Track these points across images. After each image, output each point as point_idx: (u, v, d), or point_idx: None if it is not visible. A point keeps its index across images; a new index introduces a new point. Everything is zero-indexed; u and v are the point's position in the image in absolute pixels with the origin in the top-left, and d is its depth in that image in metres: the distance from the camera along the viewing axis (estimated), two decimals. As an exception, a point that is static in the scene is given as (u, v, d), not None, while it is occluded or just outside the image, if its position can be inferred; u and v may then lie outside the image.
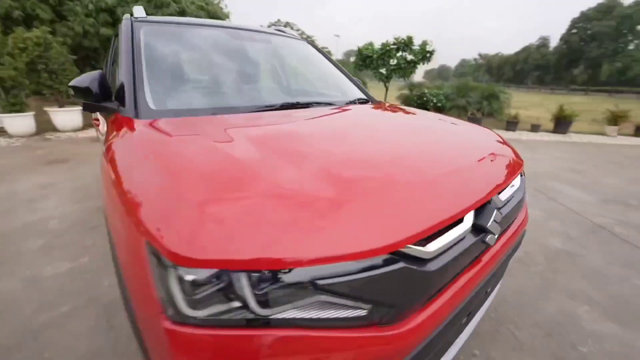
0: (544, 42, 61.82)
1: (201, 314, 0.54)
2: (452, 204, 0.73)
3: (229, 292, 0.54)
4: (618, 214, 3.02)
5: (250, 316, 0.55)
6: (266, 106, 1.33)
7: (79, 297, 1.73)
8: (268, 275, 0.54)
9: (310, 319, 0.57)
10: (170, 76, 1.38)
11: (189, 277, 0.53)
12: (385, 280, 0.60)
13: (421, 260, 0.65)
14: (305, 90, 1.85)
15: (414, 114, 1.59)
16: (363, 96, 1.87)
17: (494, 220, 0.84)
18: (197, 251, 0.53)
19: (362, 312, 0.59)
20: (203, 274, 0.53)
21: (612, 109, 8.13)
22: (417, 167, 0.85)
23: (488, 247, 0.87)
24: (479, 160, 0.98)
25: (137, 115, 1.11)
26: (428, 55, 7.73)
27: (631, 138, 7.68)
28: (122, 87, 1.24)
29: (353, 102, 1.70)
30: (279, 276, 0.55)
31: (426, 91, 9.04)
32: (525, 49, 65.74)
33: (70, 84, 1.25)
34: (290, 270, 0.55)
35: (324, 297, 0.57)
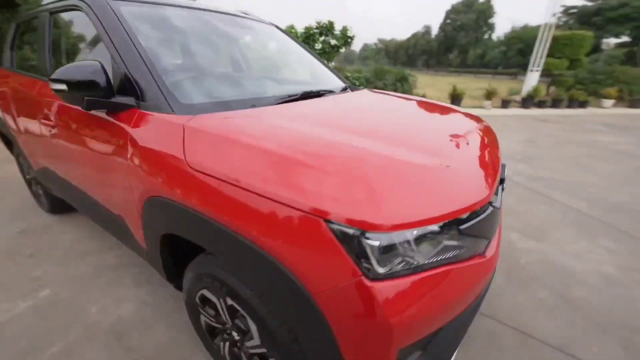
0: (427, 30, 71.76)
1: (386, 269, 0.66)
2: (499, 166, 1.01)
3: (402, 248, 0.67)
4: (512, 166, 4.06)
5: (415, 264, 0.70)
6: (289, 95, 1.35)
7: (67, 331, 1.46)
8: (432, 229, 0.69)
9: (444, 259, 0.74)
10: (179, 66, 1.25)
11: (377, 242, 0.64)
12: (486, 221, 0.82)
13: (492, 204, 0.90)
14: (310, 80, 1.88)
15: (401, 97, 1.83)
16: (343, 83, 2.02)
17: (505, 174, 1.17)
18: (383, 218, 0.65)
19: (470, 247, 0.81)
20: (387, 236, 0.65)
21: (487, 87, 10.35)
22: (469, 140, 1.09)
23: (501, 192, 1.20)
24: (491, 133, 1.30)
25: (172, 110, 1.02)
26: (349, 40, 8.24)
27: (500, 109, 10.00)
28: (131, 79, 1.09)
29: (345, 90, 1.84)
30: (437, 229, 0.70)
31: (349, 74, 9.65)
32: (414, 36, 75.10)
33: (60, 77, 1.02)
34: (445, 223, 0.71)
35: (448, 242, 0.75)
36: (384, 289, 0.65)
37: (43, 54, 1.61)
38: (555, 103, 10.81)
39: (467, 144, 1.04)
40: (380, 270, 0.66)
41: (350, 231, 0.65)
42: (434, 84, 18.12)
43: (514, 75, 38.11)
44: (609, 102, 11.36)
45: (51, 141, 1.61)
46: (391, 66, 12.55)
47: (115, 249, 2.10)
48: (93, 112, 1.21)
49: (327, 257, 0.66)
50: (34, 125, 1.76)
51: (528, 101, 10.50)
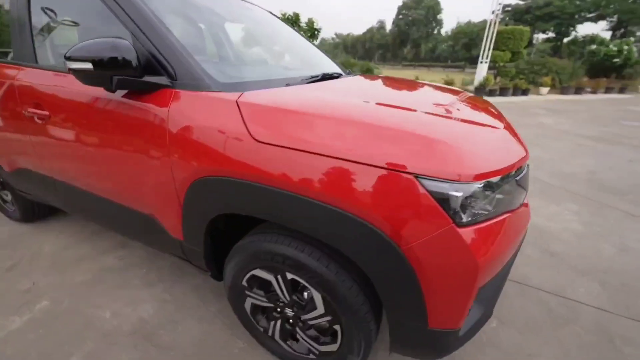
0: (381, 25, 74.25)
1: (468, 216, 0.74)
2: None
3: (480, 197, 0.75)
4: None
5: (487, 211, 0.78)
6: (312, 76, 1.37)
7: (82, 339, 1.35)
8: (501, 179, 0.79)
9: (505, 206, 0.84)
10: (201, 46, 1.20)
11: (461, 192, 0.71)
12: (527, 175, 0.95)
13: None
14: (318, 63, 1.89)
15: (401, 79, 1.93)
16: (341, 69, 2.07)
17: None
18: (467, 170, 0.72)
19: (519, 197, 0.91)
20: (470, 186, 0.72)
21: (444, 78, 11.13)
22: (491, 110, 1.21)
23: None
24: None
25: (212, 89, 0.99)
26: (316, 32, 8.25)
27: (456, 98, 10.85)
28: (160, 58, 1.03)
29: (349, 74, 1.89)
30: (504, 179, 0.80)
31: (316, 68, 9.69)
32: (370, 30, 77.29)
33: (83, 55, 0.93)
34: (509, 174, 0.82)
35: (507, 192, 0.84)
36: (470, 234, 0.73)
37: (23, 37, 1.42)
38: (503, 91, 11.96)
39: (493, 112, 1.16)
40: (465, 218, 0.74)
41: (441, 184, 0.71)
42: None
43: (462, 68, 41.25)
44: (545, 90, 12.86)
45: (40, 136, 1.44)
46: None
47: (112, 251, 1.94)
48: (107, 97, 1.13)
49: (419, 211, 0.72)
50: (9, 119, 1.55)
51: (480, 90, 11.47)
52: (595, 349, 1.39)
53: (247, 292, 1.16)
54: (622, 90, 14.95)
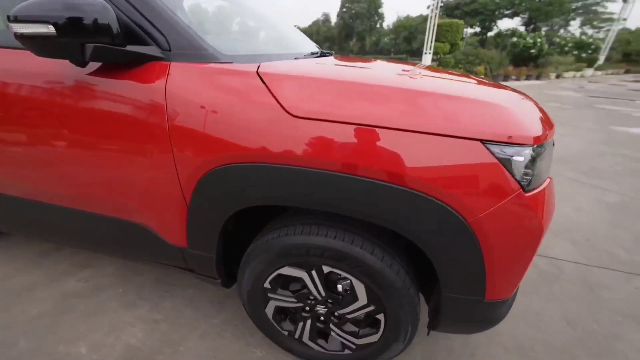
0: (326, 18, 74.69)
1: (529, 181, 0.72)
2: None
3: (536, 161, 0.73)
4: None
5: (537, 176, 0.76)
6: (312, 53, 1.26)
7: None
8: (550, 142, 0.79)
9: (545, 172, 0.83)
10: (201, 19, 1.01)
11: (522, 157, 0.69)
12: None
13: None
14: (306, 43, 1.75)
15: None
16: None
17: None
18: (529, 133, 0.70)
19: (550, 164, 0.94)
20: (532, 149, 0.70)
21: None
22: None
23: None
24: None
25: (224, 60, 0.83)
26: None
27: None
28: (147, 25, 0.83)
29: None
30: (551, 142, 0.81)
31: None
32: (315, 23, 77.18)
33: (39, 15, 0.69)
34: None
35: (546, 160, 0.84)
36: (534, 199, 0.72)
37: None
38: (445, 80, 12.94)
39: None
40: (527, 183, 0.72)
41: (508, 149, 0.68)
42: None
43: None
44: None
45: None
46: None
47: (71, 273, 1.62)
48: (69, 74, 0.89)
49: (489, 180, 0.68)
50: None
51: (426, 79, 12.25)
52: (582, 297, 1.54)
53: (269, 295, 1.03)
54: (538, 77, 17.25)
